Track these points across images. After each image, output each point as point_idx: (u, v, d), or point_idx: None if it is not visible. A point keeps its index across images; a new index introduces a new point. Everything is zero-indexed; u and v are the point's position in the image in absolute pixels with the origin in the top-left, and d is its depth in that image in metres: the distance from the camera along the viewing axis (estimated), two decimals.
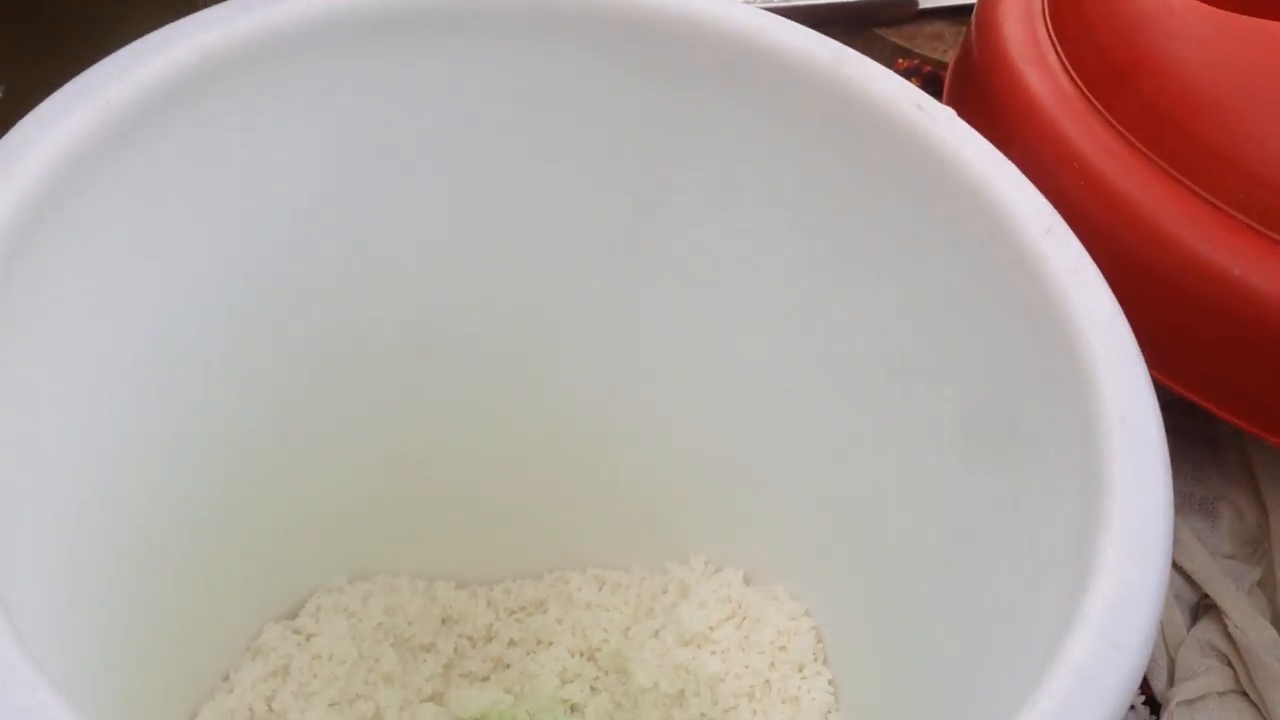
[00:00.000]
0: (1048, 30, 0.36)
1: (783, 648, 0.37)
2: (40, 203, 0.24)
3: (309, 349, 0.35)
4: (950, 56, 0.52)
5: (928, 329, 0.29)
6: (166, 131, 0.26)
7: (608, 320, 0.36)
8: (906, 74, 0.52)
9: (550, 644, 0.41)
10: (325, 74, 0.28)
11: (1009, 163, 0.27)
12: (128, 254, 0.28)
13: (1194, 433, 0.37)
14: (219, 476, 0.35)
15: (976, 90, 0.37)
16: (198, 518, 0.35)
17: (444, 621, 0.41)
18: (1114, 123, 0.33)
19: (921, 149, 0.28)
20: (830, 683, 0.36)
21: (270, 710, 0.36)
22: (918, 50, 0.54)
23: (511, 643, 0.41)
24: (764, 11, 0.30)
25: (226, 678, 0.37)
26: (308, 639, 0.38)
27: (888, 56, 0.54)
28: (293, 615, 0.39)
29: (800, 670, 0.36)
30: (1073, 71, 0.34)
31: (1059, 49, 0.35)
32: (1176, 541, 0.36)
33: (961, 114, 0.28)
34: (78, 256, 0.26)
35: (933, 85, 0.51)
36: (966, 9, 0.54)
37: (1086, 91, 0.33)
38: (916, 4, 0.54)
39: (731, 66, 0.30)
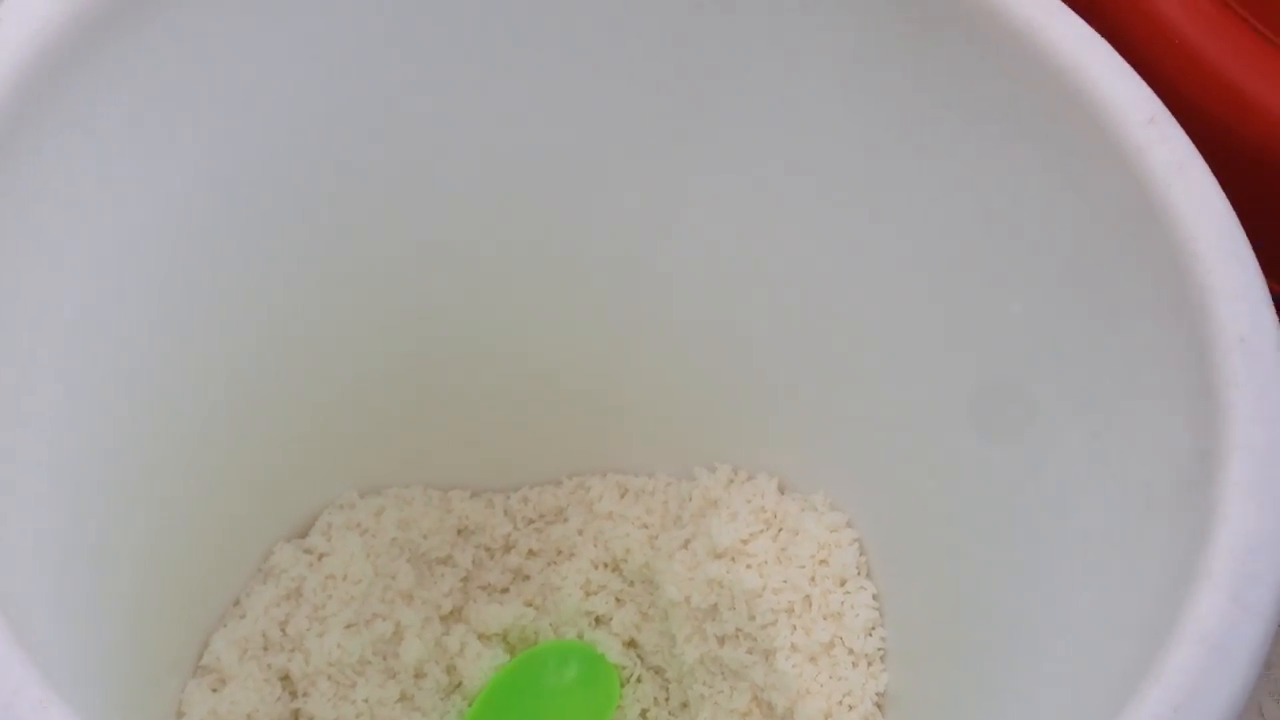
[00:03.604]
0: None
1: (823, 561, 0.35)
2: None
3: (311, 255, 0.32)
4: None
5: (1002, 229, 0.26)
6: (145, 29, 0.23)
7: (639, 215, 0.33)
8: None
9: (572, 555, 0.39)
10: None
11: (1102, 40, 0.24)
12: (117, 157, 0.25)
13: None
14: (220, 389, 0.32)
15: None
16: (199, 435, 0.32)
17: (460, 533, 0.39)
18: None
19: (1000, 23, 0.25)
20: (875, 598, 0.34)
21: (284, 635, 0.35)
22: None
23: (531, 553, 0.40)
24: None
25: (238, 602, 0.35)
26: (320, 558, 0.36)
27: None
28: (303, 534, 0.37)
29: (842, 585, 0.34)
30: None
31: None
32: None
33: None
34: (60, 160, 0.23)
35: None
36: None
37: None
38: None
39: None
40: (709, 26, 0.28)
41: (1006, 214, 0.26)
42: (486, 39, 0.28)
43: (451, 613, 0.38)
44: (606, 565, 0.39)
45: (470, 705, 0.36)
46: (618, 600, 0.39)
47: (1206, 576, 0.18)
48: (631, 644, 0.38)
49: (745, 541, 0.36)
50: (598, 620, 0.39)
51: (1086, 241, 0.24)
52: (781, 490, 0.37)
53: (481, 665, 0.37)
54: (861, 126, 0.28)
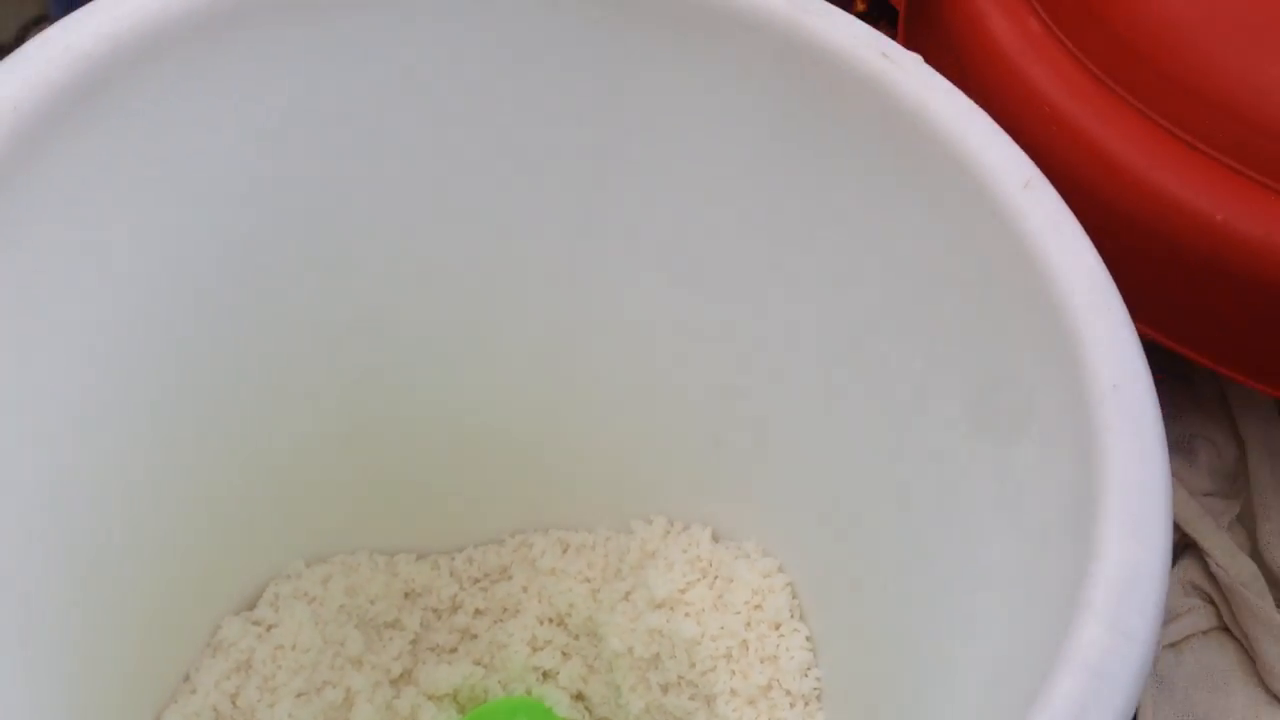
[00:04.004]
0: None
1: (758, 606, 0.36)
2: None
3: (255, 334, 0.33)
4: None
5: (903, 288, 0.28)
6: (79, 129, 0.24)
7: (563, 285, 0.34)
8: None
9: (517, 612, 0.40)
10: (250, 55, 0.26)
11: (982, 112, 0.26)
12: (57, 250, 0.26)
13: (1169, 370, 0.36)
14: (165, 468, 0.33)
15: (935, 29, 0.35)
16: (143, 513, 0.33)
17: (407, 596, 0.40)
18: (1085, 62, 0.31)
19: (889, 101, 0.27)
20: (808, 639, 0.36)
21: (235, 707, 0.35)
22: None
23: (478, 612, 0.40)
24: None
25: (187, 678, 0.36)
26: (268, 629, 0.37)
27: None
28: (251, 605, 0.38)
29: (777, 628, 0.36)
30: (1037, 7, 0.32)
31: None
32: None
33: (920, 53, 0.27)
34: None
35: (879, 5, 0.49)
36: None
37: (1054, 28, 0.32)
38: None
39: (684, 17, 0.28)
40: (630, 104, 0.30)
41: (905, 275, 0.28)
42: (408, 123, 0.30)
43: (401, 675, 0.39)
44: (551, 620, 0.40)
45: None
46: (564, 654, 0.40)
47: (1089, 607, 0.20)
48: (579, 697, 0.39)
49: (683, 591, 0.37)
50: (545, 675, 0.40)
51: (975, 299, 0.26)
52: (715, 539, 0.38)
53: None
54: (772, 195, 0.30)
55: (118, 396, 0.30)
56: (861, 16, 0.50)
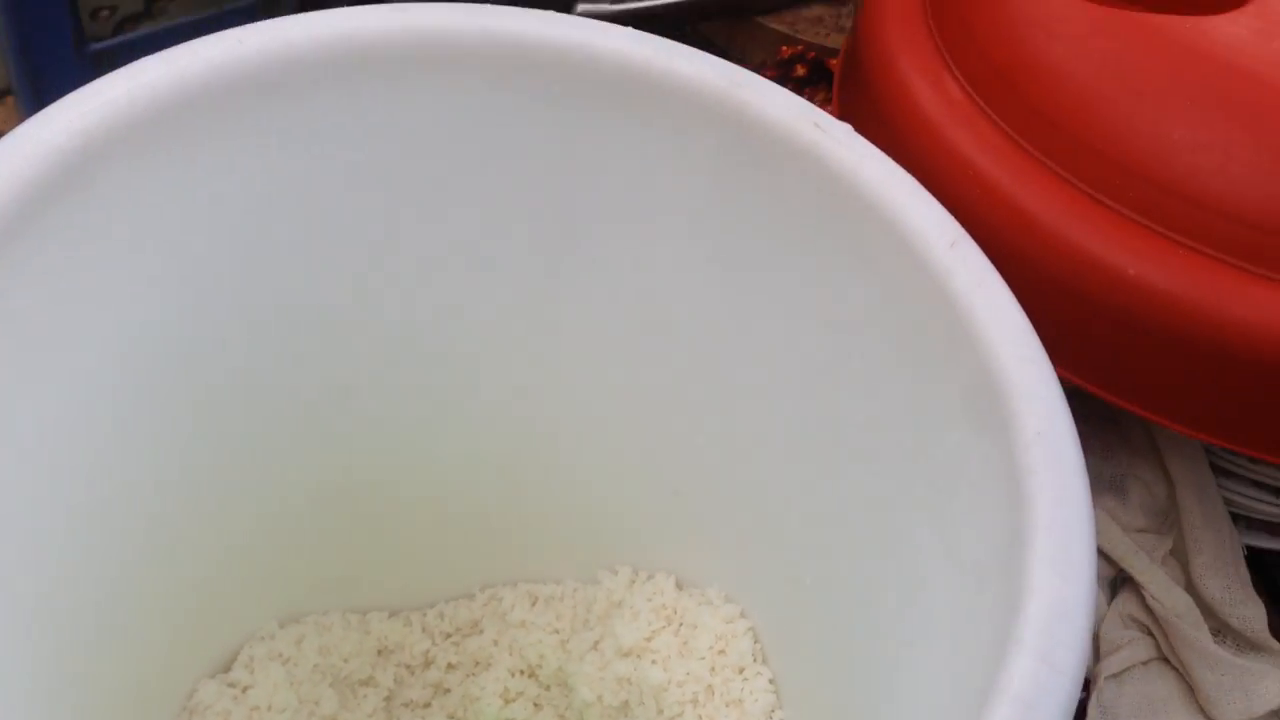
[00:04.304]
0: (931, 33, 0.36)
1: (721, 651, 0.37)
2: None
3: (227, 398, 0.34)
4: (831, 40, 0.53)
5: (841, 343, 0.30)
6: (51, 221, 0.25)
7: (523, 350, 0.35)
8: (791, 60, 0.53)
9: (489, 665, 0.41)
10: (215, 142, 0.27)
11: (909, 176, 0.28)
12: (33, 339, 0.27)
13: (1100, 413, 0.38)
14: (138, 533, 0.34)
15: (865, 97, 0.37)
16: (118, 578, 0.34)
17: (380, 653, 0.41)
18: (1003, 126, 0.33)
19: (823, 169, 0.28)
20: (771, 681, 0.37)
21: None
22: (800, 36, 0.54)
23: (450, 667, 0.41)
24: (651, 37, 0.30)
25: None
26: (244, 691, 0.38)
27: (772, 44, 0.54)
28: (226, 668, 0.39)
29: (741, 672, 0.37)
30: (959, 75, 0.35)
31: (944, 52, 0.35)
32: None
33: (851, 120, 0.28)
34: None
35: (818, 70, 0.51)
36: None
37: (974, 95, 0.34)
38: None
39: (626, 94, 0.29)
40: (582, 180, 0.31)
41: (845, 331, 0.29)
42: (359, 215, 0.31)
43: None
44: (523, 672, 0.41)
45: None
46: (535, 705, 0.41)
47: (1019, 642, 0.21)
48: None
49: (649, 639, 0.38)
50: None
51: (909, 354, 0.27)
52: (679, 587, 0.40)
53: None
54: (719, 257, 0.32)
55: (89, 473, 0.31)
56: (803, 80, 0.52)
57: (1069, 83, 0.33)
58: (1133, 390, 0.33)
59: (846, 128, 0.29)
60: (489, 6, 0.30)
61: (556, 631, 0.41)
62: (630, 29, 0.30)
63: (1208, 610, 0.36)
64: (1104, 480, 0.38)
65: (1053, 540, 0.23)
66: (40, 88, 0.55)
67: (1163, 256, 0.31)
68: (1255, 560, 0.39)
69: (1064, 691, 0.21)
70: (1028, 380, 0.25)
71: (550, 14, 0.30)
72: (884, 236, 0.27)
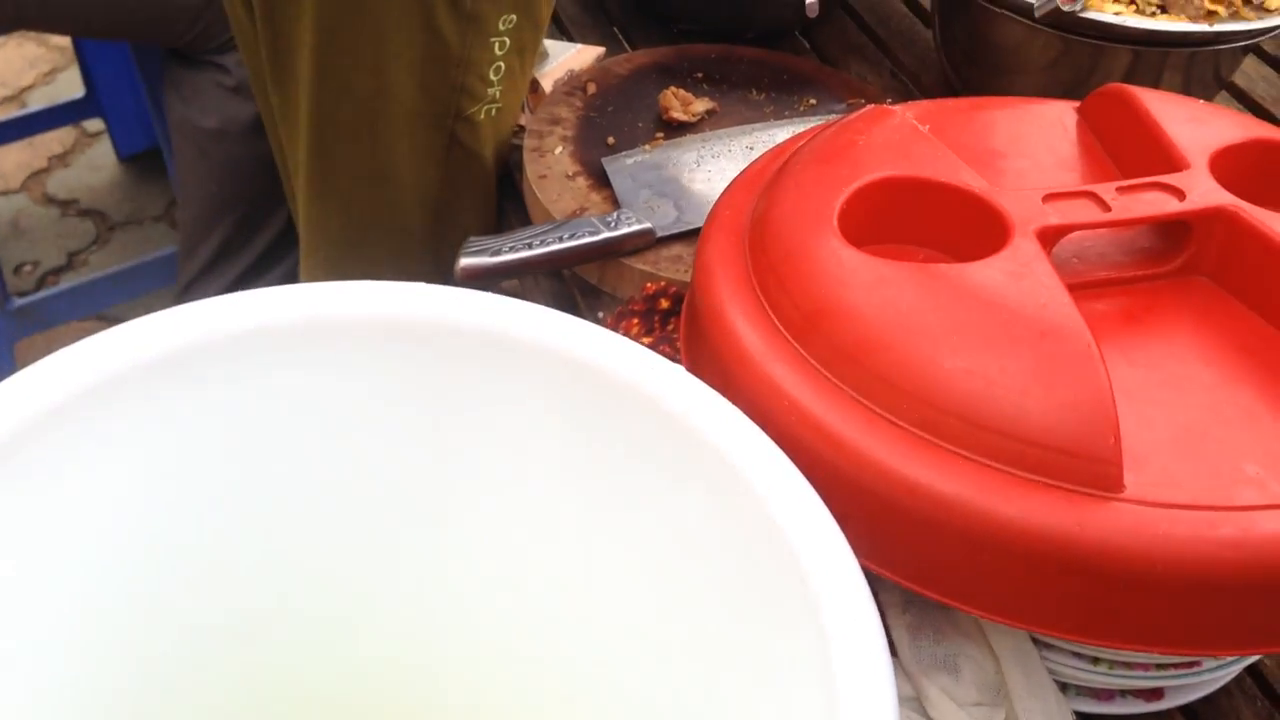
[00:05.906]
0: (753, 285, 0.42)
1: None
2: None
3: (143, 641, 0.37)
4: (690, 276, 0.59)
5: (684, 569, 0.34)
6: None
7: (414, 601, 0.40)
8: (655, 296, 0.59)
9: None
10: (137, 421, 0.31)
11: (737, 410, 0.33)
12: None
13: (930, 600, 0.42)
14: None
15: (702, 338, 0.43)
16: None
17: None
18: (813, 361, 0.39)
19: (661, 410, 0.33)
20: None
21: None
22: (662, 273, 0.60)
23: None
24: (510, 302, 0.35)
25: None
26: None
27: (638, 281, 0.60)
28: None
29: None
30: (775, 319, 0.40)
31: (763, 297, 0.41)
32: (928, 700, 0.41)
33: (693, 357, 0.33)
34: None
35: (678, 302, 0.57)
36: (697, 231, 0.61)
37: (788, 335, 0.40)
38: (654, 235, 0.61)
39: (494, 358, 0.35)
40: (457, 436, 0.36)
41: (683, 555, 0.34)
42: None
43: None
44: None
45: None
46: None
47: None
48: None
49: None
50: None
51: (743, 569, 0.32)
52: None
53: None
54: (579, 494, 0.36)
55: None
56: (666, 311, 0.58)
57: (861, 324, 0.39)
58: (934, 581, 0.38)
59: (679, 369, 0.34)
60: (368, 284, 0.35)
61: None
62: (495, 297, 0.36)
63: None
64: (938, 660, 0.42)
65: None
66: None
67: (945, 466, 0.36)
68: None
69: None
70: (836, 584, 0.29)
71: (424, 287, 0.35)
72: (717, 467, 0.32)
